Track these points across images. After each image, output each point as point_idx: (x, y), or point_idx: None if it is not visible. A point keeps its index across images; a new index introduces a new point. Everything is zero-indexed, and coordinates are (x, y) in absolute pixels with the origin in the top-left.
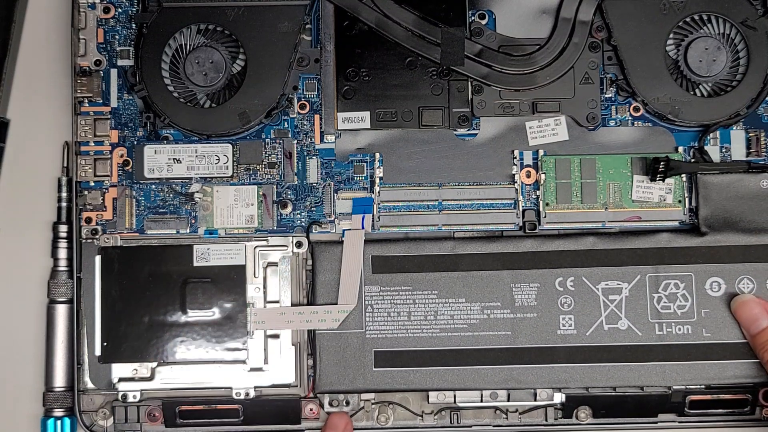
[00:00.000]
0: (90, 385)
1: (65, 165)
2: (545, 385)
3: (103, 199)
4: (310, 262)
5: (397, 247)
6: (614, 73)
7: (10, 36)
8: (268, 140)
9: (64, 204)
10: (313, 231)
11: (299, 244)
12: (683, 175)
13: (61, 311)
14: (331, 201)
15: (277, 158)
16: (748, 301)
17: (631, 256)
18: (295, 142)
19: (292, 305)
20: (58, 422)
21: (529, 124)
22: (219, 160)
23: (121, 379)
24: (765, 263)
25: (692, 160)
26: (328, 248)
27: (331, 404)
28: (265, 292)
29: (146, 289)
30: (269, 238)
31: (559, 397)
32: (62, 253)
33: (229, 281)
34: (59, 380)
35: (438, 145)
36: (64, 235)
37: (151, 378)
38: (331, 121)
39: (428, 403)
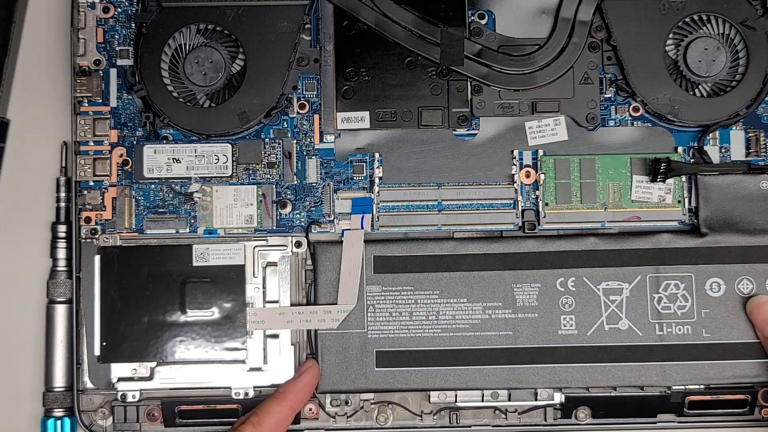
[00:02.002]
0: (89, 384)
1: (63, 165)
2: (546, 385)
3: (103, 199)
4: (309, 261)
5: (399, 248)
6: (614, 73)
7: (10, 36)
8: (267, 140)
9: (63, 204)
10: (313, 231)
11: (298, 244)
12: (683, 176)
13: (61, 311)
14: (331, 201)
15: (277, 158)
16: (765, 303)
17: (632, 256)
18: (295, 141)
19: (292, 305)
20: (58, 422)
21: (529, 124)
22: (218, 159)
23: (120, 379)
24: (764, 264)
25: (692, 160)
26: (328, 248)
27: (332, 404)
28: (264, 292)
29: (146, 288)
30: (268, 237)
31: (559, 397)
32: (61, 253)
33: (229, 281)
34: (59, 380)
35: (437, 145)
36: (63, 235)
37: (150, 378)
38: (331, 121)
39: (429, 402)
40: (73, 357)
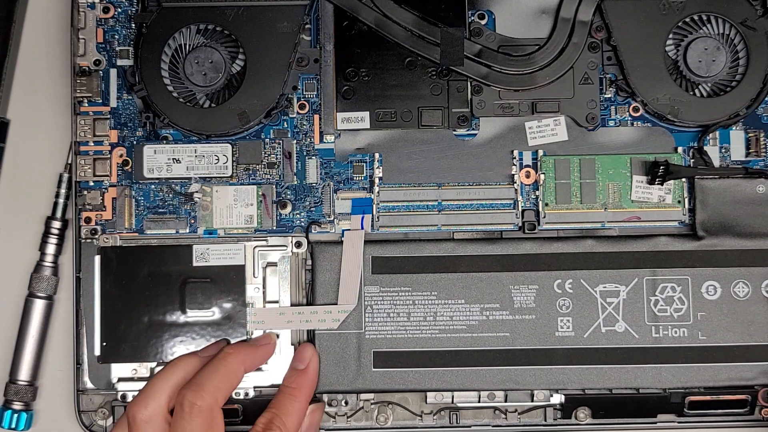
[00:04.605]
0: (89, 385)
1: (69, 162)
2: (543, 387)
3: (103, 199)
4: (309, 262)
5: (397, 248)
6: (614, 73)
7: (10, 36)
8: (267, 140)
9: (61, 200)
10: (313, 231)
11: (299, 244)
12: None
13: (39, 306)
14: (331, 201)
15: (277, 158)
16: None
17: (629, 259)
18: (295, 142)
19: (292, 305)
20: (15, 415)
21: (529, 124)
22: (218, 160)
23: (120, 379)
24: (760, 267)
25: (692, 161)
26: (327, 248)
27: (330, 404)
28: (264, 292)
29: (145, 289)
30: (268, 238)
31: (557, 398)
32: (50, 249)
33: (229, 281)
34: (23, 374)
35: (437, 145)
36: (55, 231)
37: (150, 378)
38: (331, 121)
39: (426, 403)
40: (41, 354)
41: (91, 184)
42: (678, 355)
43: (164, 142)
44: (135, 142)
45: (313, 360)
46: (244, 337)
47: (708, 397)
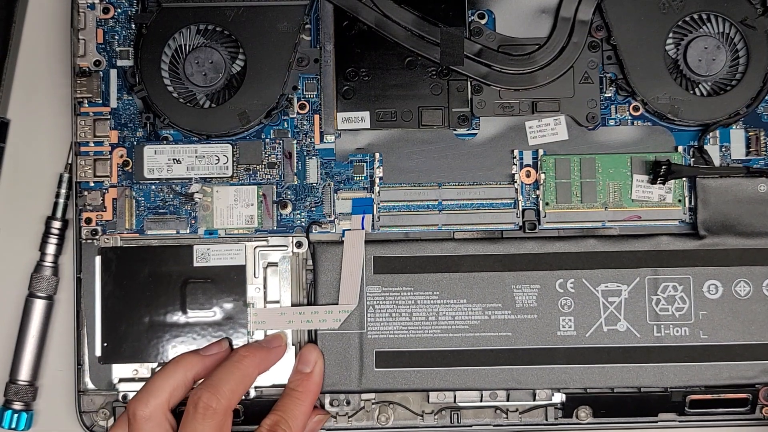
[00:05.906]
0: (90, 385)
1: (69, 162)
2: (545, 386)
3: (103, 200)
4: (310, 262)
5: (399, 248)
6: (614, 72)
7: (10, 36)
8: (267, 140)
9: (61, 200)
10: (313, 231)
11: (299, 244)
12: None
13: (39, 306)
14: (331, 201)
15: (277, 158)
16: None
17: (631, 258)
18: (295, 142)
19: (292, 305)
20: (15, 415)
21: (529, 123)
22: (219, 160)
23: (121, 380)
24: (762, 266)
25: (692, 160)
26: (328, 248)
27: (331, 404)
28: (265, 293)
29: (146, 289)
30: (269, 238)
31: (558, 397)
32: (50, 249)
33: (230, 281)
34: (24, 374)
35: (438, 144)
36: (56, 231)
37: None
38: (331, 121)
39: (428, 402)
40: (41, 354)
41: (92, 184)
42: (679, 354)
43: (164, 142)
44: (135, 143)
45: (319, 363)
46: (245, 338)
47: (709, 396)
